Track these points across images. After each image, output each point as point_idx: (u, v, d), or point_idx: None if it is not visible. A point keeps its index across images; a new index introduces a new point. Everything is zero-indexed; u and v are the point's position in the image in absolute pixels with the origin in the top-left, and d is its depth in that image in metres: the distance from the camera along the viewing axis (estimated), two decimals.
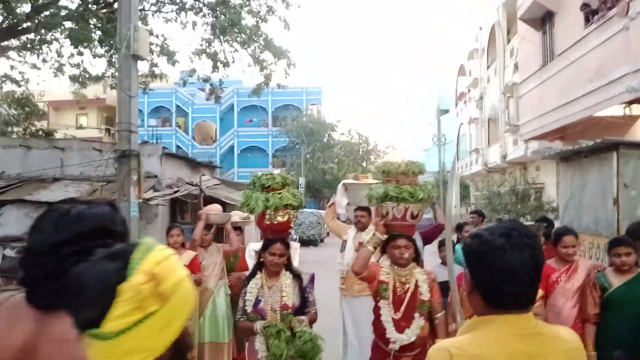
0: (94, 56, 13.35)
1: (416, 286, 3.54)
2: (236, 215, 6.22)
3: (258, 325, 3.35)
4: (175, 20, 12.98)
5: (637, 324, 3.57)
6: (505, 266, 1.34)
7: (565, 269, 4.04)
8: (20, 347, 1.29)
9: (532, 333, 1.37)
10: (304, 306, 3.53)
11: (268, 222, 3.59)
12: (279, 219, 3.59)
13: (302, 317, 3.44)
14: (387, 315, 3.48)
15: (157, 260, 1.08)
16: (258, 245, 5.21)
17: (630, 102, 9.22)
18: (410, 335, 3.42)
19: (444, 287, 3.97)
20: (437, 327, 3.57)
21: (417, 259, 3.70)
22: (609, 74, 9.31)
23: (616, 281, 3.78)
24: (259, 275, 3.54)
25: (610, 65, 9.38)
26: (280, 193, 3.62)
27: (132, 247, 1.11)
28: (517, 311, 1.37)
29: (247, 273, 5.14)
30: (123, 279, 1.04)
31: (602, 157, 6.73)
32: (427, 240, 6.31)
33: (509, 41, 18.92)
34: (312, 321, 3.55)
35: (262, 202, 3.57)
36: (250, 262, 5.16)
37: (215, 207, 6.01)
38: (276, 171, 3.78)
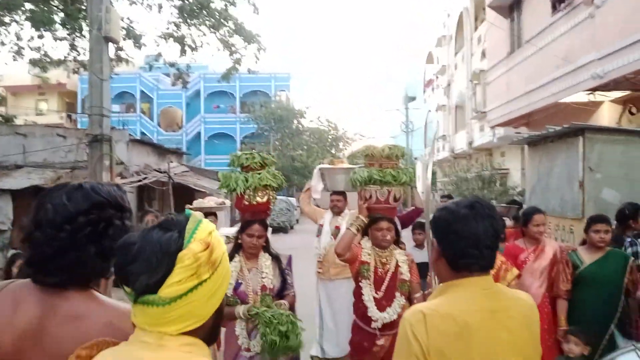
0: (56, 39, 12.86)
1: (397, 266, 3.63)
2: (211, 201, 6.16)
3: (241, 309, 3.26)
4: (142, 3, 12.62)
5: (607, 299, 3.72)
6: (470, 232, 1.55)
7: (533, 249, 4.15)
8: (23, 329, 1.26)
9: (494, 291, 1.58)
10: (284, 288, 3.54)
11: (247, 203, 3.50)
12: (258, 199, 3.50)
13: (283, 301, 3.43)
14: (369, 294, 3.55)
15: (209, 231, 1.14)
16: (228, 230, 5.19)
17: (594, 89, 9.50)
18: (391, 313, 3.50)
19: (420, 268, 4.07)
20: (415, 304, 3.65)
21: (398, 241, 3.77)
22: (575, 61, 9.56)
23: (587, 259, 3.93)
24: (237, 258, 3.45)
25: (576, 52, 9.63)
26: (260, 173, 3.54)
27: (184, 218, 1.15)
28: (480, 273, 1.56)
29: None
30: (181, 247, 1.07)
31: (569, 141, 6.93)
32: (404, 224, 6.42)
33: (476, 28, 19.18)
34: (291, 304, 3.57)
35: (242, 182, 3.48)
36: None
37: (198, 214, 5.98)
38: (254, 151, 3.68)
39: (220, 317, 1.18)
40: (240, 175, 3.54)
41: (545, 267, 4.06)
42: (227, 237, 5.01)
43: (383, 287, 3.57)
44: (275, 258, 3.54)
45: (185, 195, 14.42)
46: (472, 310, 1.50)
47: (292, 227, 25.09)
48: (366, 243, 3.71)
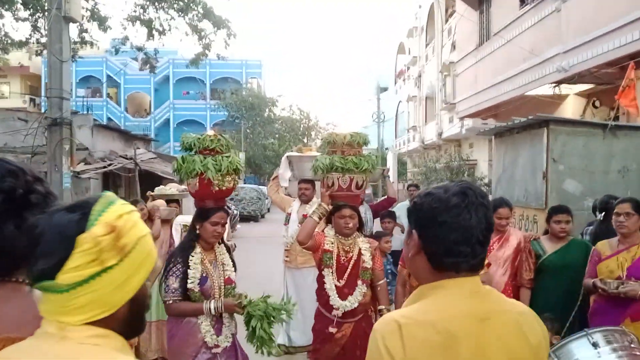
0: (17, 20, 12.40)
1: (359, 254, 3.62)
2: (173, 188, 6.03)
3: (212, 305, 3.03)
4: None
5: (568, 288, 3.81)
6: (462, 225, 1.28)
7: (497, 238, 4.20)
8: None
9: (483, 293, 1.32)
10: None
11: (216, 189, 3.19)
12: (227, 184, 3.23)
13: (244, 292, 3.31)
14: (331, 282, 3.55)
15: (119, 214, 1.04)
16: (185, 218, 5.05)
17: (559, 82, 9.70)
18: (352, 302, 3.51)
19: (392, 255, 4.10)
20: (379, 293, 3.68)
21: (361, 228, 3.76)
22: (541, 54, 9.72)
23: (550, 248, 4.01)
24: (198, 249, 3.13)
25: (543, 45, 9.79)
26: (229, 156, 3.26)
27: (94, 199, 1.05)
28: (467, 273, 1.31)
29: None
30: (82, 230, 0.99)
31: (534, 133, 7.05)
32: (377, 213, 6.46)
33: (447, 20, 19.32)
34: None
35: (213, 166, 3.14)
36: (177, 236, 4.99)
37: (161, 203, 5.81)
38: (210, 132, 3.35)
39: (140, 307, 1.10)
40: (208, 158, 3.18)
41: (509, 255, 4.12)
42: (184, 225, 4.91)
43: (345, 275, 3.57)
44: (227, 248, 3.38)
45: (152, 182, 14.16)
46: (458, 317, 1.26)
47: (262, 216, 24.99)
48: (329, 231, 3.70)
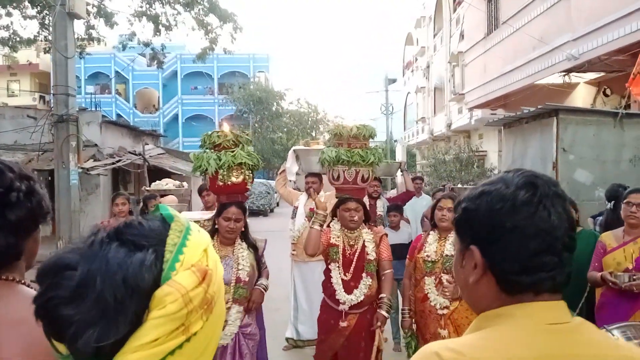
0: (25, 18, 12.46)
1: (363, 246, 3.61)
2: (170, 183, 6.05)
3: None
4: None
5: (575, 280, 3.74)
6: (540, 227, 0.93)
7: None
8: None
9: (570, 327, 0.93)
10: (257, 278, 3.46)
11: (221, 183, 3.27)
12: (233, 179, 3.27)
13: (260, 288, 3.41)
14: (337, 277, 3.54)
15: (204, 248, 0.76)
16: (191, 215, 5.07)
17: (569, 70, 9.56)
18: (358, 295, 3.50)
19: (395, 250, 4.07)
20: (383, 282, 3.64)
21: (367, 221, 3.74)
22: (551, 42, 9.58)
23: None
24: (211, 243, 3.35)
25: (552, 33, 9.65)
26: (233, 151, 3.30)
27: (158, 224, 0.74)
28: (549, 296, 0.94)
29: None
30: (159, 280, 0.68)
31: (543, 122, 6.96)
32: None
33: (455, 9, 19.12)
34: (267, 276, 3.57)
35: (214, 162, 3.24)
36: None
37: (171, 199, 5.83)
38: (227, 128, 3.44)
39: None
40: (212, 154, 3.30)
41: None
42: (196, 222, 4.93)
43: (351, 269, 3.56)
44: (252, 247, 3.39)
45: (161, 177, 14.21)
46: (528, 358, 0.88)
47: (271, 211, 25.05)
48: (335, 225, 3.68)
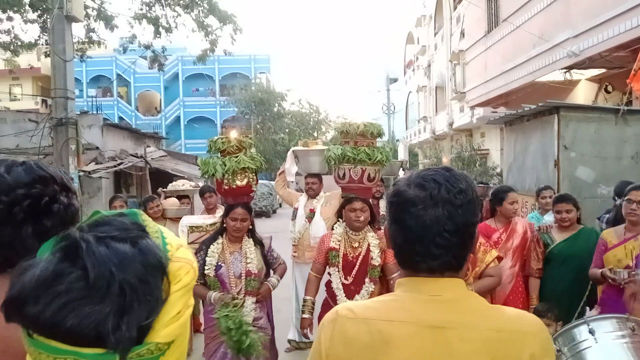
0: (26, 22, 12.51)
1: (368, 250, 3.52)
2: (186, 184, 6.05)
3: (213, 296, 3.35)
4: None
5: (577, 277, 3.74)
6: (414, 222, 1.10)
7: (504, 228, 4.10)
8: None
9: (448, 299, 1.09)
10: (268, 272, 3.68)
11: (227, 187, 3.54)
12: (238, 182, 3.54)
13: (270, 284, 3.60)
14: (337, 282, 3.48)
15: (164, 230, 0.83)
16: (192, 219, 5.10)
17: (570, 67, 9.52)
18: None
19: None
20: (392, 287, 3.58)
21: (373, 222, 3.65)
22: (552, 39, 9.55)
23: (558, 237, 3.93)
24: (220, 240, 3.51)
25: (553, 30, 9.62)
26: (237, 156, 3.57)
27: (130, 218, 0.80)
28: (427, 274, 1.12)
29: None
30: (167, 258, 0.74)
31: (544, 120, 6.93)
32: None
33: (455, 8, 19.08)
34: (282, 273, 3.77)
35: (220, 167, 3.51)
36: (183, 237, 5.02)
37: (172, 202, 5.84)
38: (234, 134, 3.73)
39: None
40: (217, 159, 3.57)
41: (517, 245, 4.02)
42: (189, 227, 4.95)
43: (353, 273, 3.48)
44: (259, 243, 3.61)
45: (163, 180, 14.22)
46: (400, 321, 1.08)
47: (274, 212, 25.03)
48: (338, 228, 3.60)
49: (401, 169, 7.08)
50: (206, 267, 3.42)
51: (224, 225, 3.53)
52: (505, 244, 4.04)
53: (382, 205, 5.96)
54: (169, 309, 0.71)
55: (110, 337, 0.66)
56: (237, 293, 3.39)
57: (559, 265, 3.85)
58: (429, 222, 1.10)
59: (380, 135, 3.82)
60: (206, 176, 3.69)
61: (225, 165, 3.51)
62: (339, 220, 3.66)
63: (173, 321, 0.71)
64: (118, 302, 0.66)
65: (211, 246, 3.48)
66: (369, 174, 3.65)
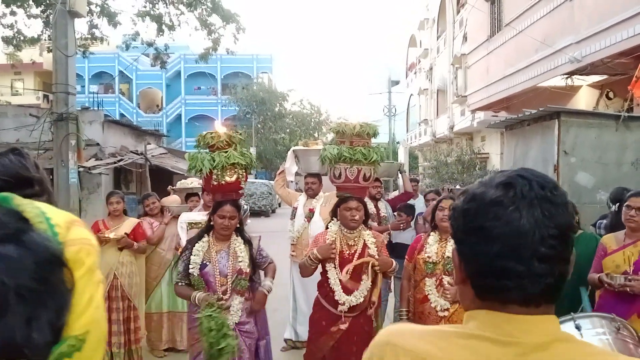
0: (29, 16, 12.52)
1: (364, 247, 3.55)
2: (195, 182, 6.05)
3: (197, 296, 3.22)
4: None
5: (576, 282, 3.72)
6: (505, 230, 0.85)
7: None
8: None
9: (521, 342, 0.84)
10: (254, 272, 3.53)
11: (215, 183, 3.39)
12: (227, 178, 3.38)
13: (263, 290, 3.45)
14: (335, 278, 3.48)
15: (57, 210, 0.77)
16: (190, 216, 5.11)
17: (572, 73, 9.52)
18: (358, 296, 3.45)
19: (400, 249, 4.03)
20: (377, 278, 3.59)
21: (367, 221, 3.69)
22: (554, 45, 9.55)
23: None
24: (206, 238, 3.39)
25: (555, 36, 9.62)
26: (226, 151, 3.41)
27: (3, 200, 0.72)
28: (518, 308, 0.85)
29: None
30: (60, 246, 0.69)
31: (545, 125, 6.93)
32: (395, 207, 6.41)
33: (458, 11, 19.09)
34: (273, 274, 3.60)
35: (208, 162, 3.35)
36: (182, 234, 5.03)
37: (173, 199, 5.83)
38: (221, 128, 3.52)
39: None
40: (206, 155, 3.41)
41: None
42: (188, 223, 4.95)
43: (351, 269, 3.48)
44: (247, 242, 3.47)
45: (163, 177, 14.22)
46: (455, 353, 0.86)
47: (273, 211, 25.03)
48: (333, 226, 3.63)
49: (399, 171, 7.07)
50: (190, 266, 3.30)
51: (211, 223, 3.41)
52: None
53: (382, 206, 5.95)
54: (78, 298, 0.66)
55: (24, 349, 0.60)
56: (222, 293, 3.27)
57: None
58: (528, 227, 0.84)
59: (375, 135, 3.85)
60: (193, 171, 3.51)
61: (214, 161, 3.36)
62: (333, 219, 3.69)
63: (86, 308, 0.67)
64: (20, 310, 0.60)
65: (197, 244, 3.36)
66: (365, 173, 3.67)
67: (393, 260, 3.68)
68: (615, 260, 3.32)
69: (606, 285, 3.25)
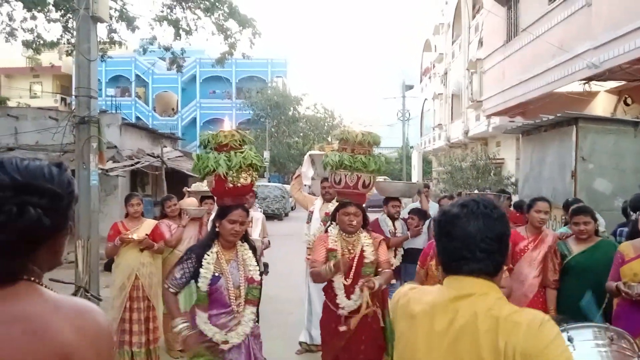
0: (49, 21, 12.70)
1: (362, 250, 3.63)
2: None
3: (182, 332, 2.97)
4: None
5: (594, 290, 3.70)
6: (461, 233, 1.40)
7: (532, 238, 4.12)
8: None
9: (464, 294, 1.37)
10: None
11: (231, 185, 3.07)
12: (243, 181, 3.09)
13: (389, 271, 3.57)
14: (339, 281, 3.56)
15: None
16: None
17: (589, 79, 9.45)
18: (356, 299, 3.51)
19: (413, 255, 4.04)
20: (380, 274, 3.63)
21: (365, 226, 3.77)
22: (571, 50, 9.49)
23: (576, 249, 3.92)
24: (214, 248, 3.07)
25: (572, 41, 9.56)
26: (242, 151, 3.12)
27: None
28: (465, 277, 1.40)
29: None
30: None
31: (562, 131, 6.90)
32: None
33: (474, 16, 19.04)
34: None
35: (224, 162, 3.03)
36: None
37: (190, 202, 5.91)
38: (228, 127, 3.25)
39: None
40: (220, 155, 3.09)
41: (543, 256, 4.04)
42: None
43: (351, 274, 3.57)
44: (252, 248, 3.27)
45: (178, 180, 14.37)
46: (433, 302, 1.43)
47: (286, 215, 25.09)
48: (333, 230, 3.71)
49: (419, 192, 6.75)
50: (200, 281, 2.99)
51: (216, 229, 3.11)
52: (531, 253, 4.06)
53: (398, 225, 5.80)
54: None
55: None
56: (237, 305, 3.04)
57: (576, 277, 3.83)
58: (473, 232, 1.39)
59: (377, 144, 3.90)
60: (199, 173, 3.18)
61: (230, 161, 3.05)
62: (332, 223, 3.77)
63: None
64: None
65: (205, 257, 3.02)
66: (364, 180, 3.74)
67: (391, 271, 3.76)
68: (633, 269, 3.30)
69: (623, 294, 3.23)
